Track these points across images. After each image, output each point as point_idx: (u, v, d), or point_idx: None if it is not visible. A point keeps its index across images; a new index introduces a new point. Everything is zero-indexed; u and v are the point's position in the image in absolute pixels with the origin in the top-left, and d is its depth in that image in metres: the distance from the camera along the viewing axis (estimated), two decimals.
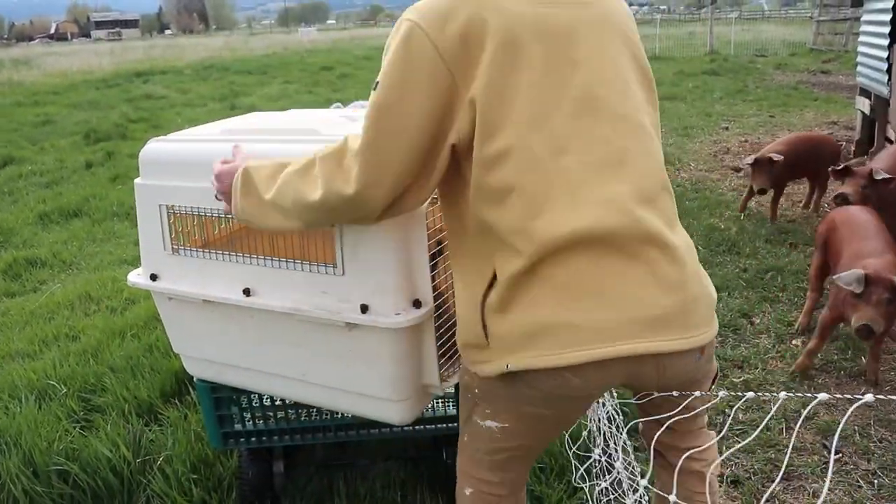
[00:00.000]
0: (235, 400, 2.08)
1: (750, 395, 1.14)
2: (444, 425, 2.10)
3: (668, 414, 1.33)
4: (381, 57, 1.32)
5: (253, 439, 2.11)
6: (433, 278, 1.58)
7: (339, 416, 2.09)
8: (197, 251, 1.78)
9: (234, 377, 1.94)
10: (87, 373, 3.18)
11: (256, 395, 2.06)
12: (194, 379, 2.06)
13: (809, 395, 1.00)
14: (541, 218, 1.23)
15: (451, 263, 1.48)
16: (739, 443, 1.86)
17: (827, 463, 2.54)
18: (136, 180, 1.83)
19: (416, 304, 1.55)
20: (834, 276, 2.94)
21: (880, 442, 2.63)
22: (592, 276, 1.23)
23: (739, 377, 3.06)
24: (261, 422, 2.10)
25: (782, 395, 1.05)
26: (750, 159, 4.96)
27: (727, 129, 8.74)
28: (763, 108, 10.19)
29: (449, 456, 2.28)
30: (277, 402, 2.08)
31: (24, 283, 4.79)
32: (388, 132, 1.26)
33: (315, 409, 2.07)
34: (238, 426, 2.10)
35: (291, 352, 1.73)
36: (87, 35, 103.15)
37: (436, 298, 1.60)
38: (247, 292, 1.69)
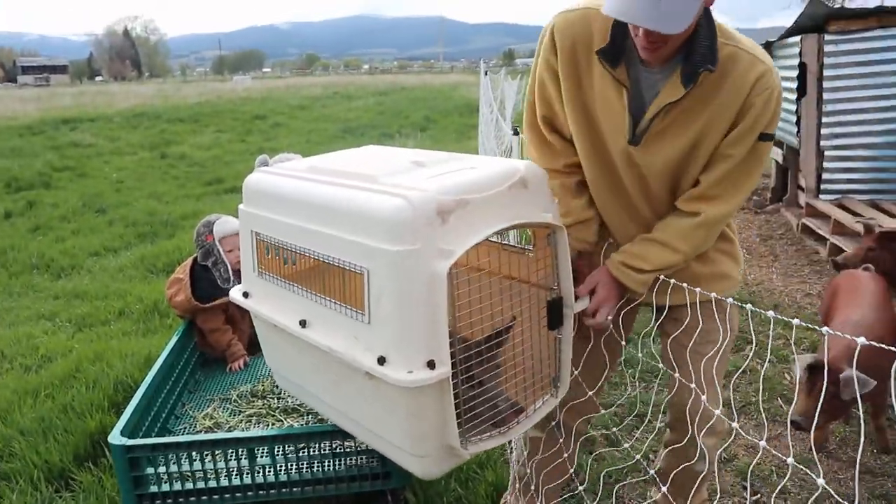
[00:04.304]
0: (151, 460, 2.02)
1: None
2: (368, 482, 2.08)
3: None
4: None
5: (170, 501, 2.04)
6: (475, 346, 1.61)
7: (259, 475, 2.04)
8: (274, 278, 1.89)
9: (307, 399, 2.09)
10: None
11: (173, 456, 2.00)
12: (108, 439, 1.99)
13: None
14: None
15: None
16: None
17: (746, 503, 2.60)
18: (240, 206, 2.00)
19: (431, 364, 1.49)
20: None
21: (796, 481, 2.72)
22: None
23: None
24: (178, 483, 2.03)
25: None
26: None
27: None
28: None
29: None
30: (195, 463, 2.02)
31: None
32: None
33: (234, 470, 2.02)
34: (154, 487, 2.02)
35: (335, 387, 1.80)
36: (13, 80, 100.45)
37: (462, 363, 1.58)
38: (303, 324, 1.76)
